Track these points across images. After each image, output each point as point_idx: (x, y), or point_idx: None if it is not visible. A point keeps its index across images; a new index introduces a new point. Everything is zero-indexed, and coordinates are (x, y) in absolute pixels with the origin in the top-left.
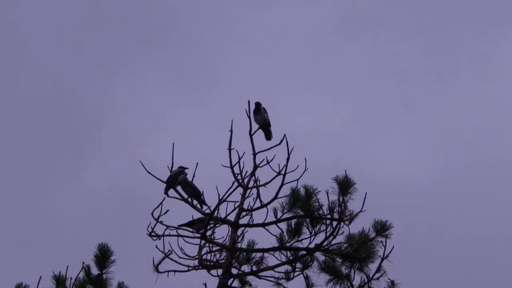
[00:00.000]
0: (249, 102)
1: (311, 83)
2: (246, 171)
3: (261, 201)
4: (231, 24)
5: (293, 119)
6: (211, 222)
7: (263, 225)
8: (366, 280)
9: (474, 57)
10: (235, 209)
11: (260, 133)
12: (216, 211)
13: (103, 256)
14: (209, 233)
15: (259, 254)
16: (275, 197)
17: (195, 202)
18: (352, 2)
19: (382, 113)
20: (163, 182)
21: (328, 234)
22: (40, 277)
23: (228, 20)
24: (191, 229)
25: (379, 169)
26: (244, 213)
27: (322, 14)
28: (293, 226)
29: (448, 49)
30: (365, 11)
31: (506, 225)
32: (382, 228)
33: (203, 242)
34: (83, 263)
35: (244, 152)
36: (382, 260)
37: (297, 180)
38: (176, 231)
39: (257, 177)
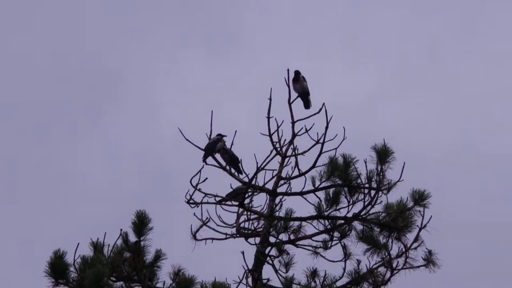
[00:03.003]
0: (288, 70)
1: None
2: (285, 140)
3: (299, 170)
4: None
5: (329, 88)
6: (249, 190)
7: (301, 193)
8: (403, 249)
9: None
10: (273, 177)
11: (299, 101)
12: (254, 179)
13: (141, 223)
14: (247, 201)
15: (297, 223)
16: (313, 166)
17: (233, 170)
18: None
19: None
20: (202, 149)
21: (366, 203)
22: (78, 243)
23: None
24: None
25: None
26: (282, 182)
27: None
28: (331, 195)
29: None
30: None
31: None
32: (420, 198)
33: (241, 210)
34: (121, 230)
35: (282, 121)
36: (420, 229)
37: (336, 149)
38: (214, 199)
39: (296, 146)
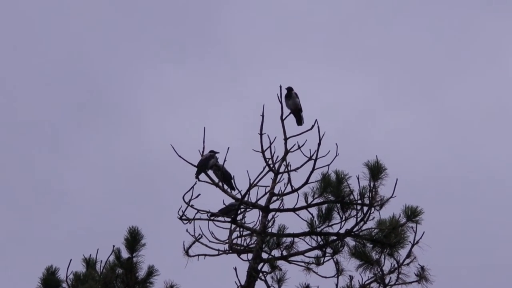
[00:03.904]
0: (280, 87)
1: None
2: (277, 156)
3: (292, 186)
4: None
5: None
6: (242, 206)
7: (294, 210)
8: (396, 265)
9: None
10: (266, 193)
11: (292, 118)
12: (247, 195)
13: (134, 239)
14: (239, 217)
15: (289, 239)
16: (306, 182)
17: (225, 186)
18: None
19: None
20: (194, 166)
21: (358, 219)
22: (71, 260)
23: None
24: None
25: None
26: (274, 198)
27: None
28: (323, 211)
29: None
30: None
31: None
32: (412, 214)
33: (233, 226)
34: (114, 246)
35: (275, 137)
36: (413, 245)
37: (328, 165)
38: (207, 215)
39: (288, 162)
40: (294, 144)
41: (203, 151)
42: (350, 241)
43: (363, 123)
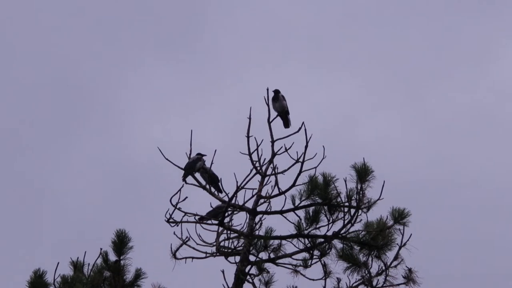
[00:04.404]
0: (267, 89)
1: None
2: (264, 159)
3: (279, 189)
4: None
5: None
6: (229, 209)
7: (281, 212)
8: (383, 268)
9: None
10: (253, 196)
11: (279, 120)
12: (234, 198)
13: (121, 242)
14: (227, 220)
15: (276, 241)
16: (293, 185)
17: (213, 189)
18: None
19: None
20: (181, 168)
21: (346, 221)
22: (58, 263)
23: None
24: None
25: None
26: (262, 200)
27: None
28: (311, 213)
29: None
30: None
31: None
32: (399, 216)
33: (221, 229)
34: (101, 249)
35: (262, 140)
36: (400, 248)
37: (315, 168)
38: (194, 218)
39: (275, 165)
40: (281, 147)
41: (190, 154)
42: (338, 244)
43: (350, 126)
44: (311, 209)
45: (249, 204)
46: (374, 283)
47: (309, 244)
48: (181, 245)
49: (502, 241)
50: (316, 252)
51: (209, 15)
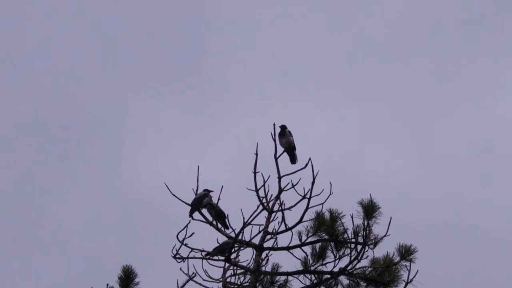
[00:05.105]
0: (274, 125)
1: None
2: (271, 195)
3: (285, 225)
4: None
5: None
6: (236, 245)
7: (288, 248)
8: None
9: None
10: (259, 232)
11: (285, 156)
12: (241, 234)
13: (127, 278)
14: (233, 256)
15: (283, 277)
16: (300, 221)
17: (219, 225)
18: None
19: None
20: (188, 204)
21: (352, 258)
22: None
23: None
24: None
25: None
26: (268, 237)
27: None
28: (317, 249)
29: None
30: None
31: None
32: (406, 252)
33: (227, 265)
34: (107, 285)
35: (269, 176)
36: (406, 284)
37: (322, 204)
38: (201, 254)
39: (282, 201)
40: (288, 183)
41: (197, 190)
42: (344, 280)
43: (355, 160)
44: (317, 245)
45: (256, 240)
46: None
47: (315, 280)
48: (187, 281)
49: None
50: None
51: (211, 47)
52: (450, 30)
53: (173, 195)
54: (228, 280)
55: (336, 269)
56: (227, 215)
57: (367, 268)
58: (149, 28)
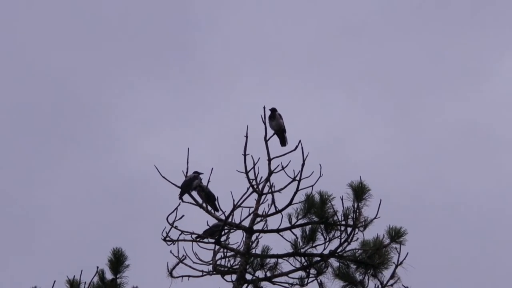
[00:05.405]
0: (264, 108)
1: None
2: (261, 177)
3: (275, 207)
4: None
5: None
6: (226, 227)
7: (278, 231)
8: (380, 286)
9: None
10: (249, 214)
11: (275, 138)
12: (231, 216)
13: (117, 260)
14: (223, 238)
15: (273, 260)
16: (290, 203)
17: (209, 207)
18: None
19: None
20: (178, 187)
21: (342, 240)
22: (54, 281)
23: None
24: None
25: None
26: (258, 219)
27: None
28: (307, 232)
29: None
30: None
31: None
32: (396, 235)
33: (217, 247)
34: (97, 267)
35: (259, 158)
36: (396, 266)
37: (312, 186)
38: (191, 236)
39: (272, 183)
40: (278, 165)
41: (187, 172)
42: (334, 262)
43: (344, 143)
44: (307, 227)
45: (246, 223)
46: None
47: (305, 263)
48: (177, 264)
49: (497, 260)
50: (312, 271)
51: (200, 32)
52: (435, 13)
53: (163, 177)
54: (218, 262)
55: (326, 252)
56: (217, 197)
57: (357, 250)
58: (138, 14)
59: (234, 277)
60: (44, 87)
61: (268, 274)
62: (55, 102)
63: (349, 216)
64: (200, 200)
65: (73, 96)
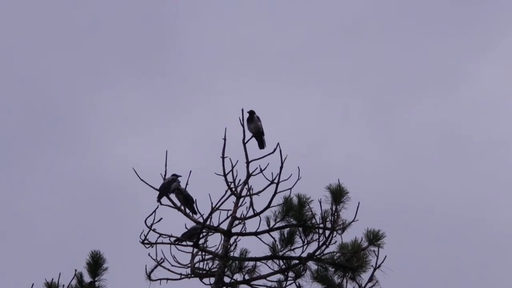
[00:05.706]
0: (242, 110)
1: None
2: (239, 180)
3: (254, 210)
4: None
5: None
6: (204, 230)
7: (256, 233)
8: None
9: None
10: (228, 217)
11: (254, 141)
12: (209, 219)
13: (96, 263)
14: (201, 241)
15: (251, 263)
16: (268, 206)
17: (187, 210)
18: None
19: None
20: (156, 189)
21: (320, 243)
22: (33, 284)
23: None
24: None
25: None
26: (237, 222)
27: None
28: (285, 235)
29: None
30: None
31: None
32: (374, 238)
33: (195, 250)
34: (76, 270)
35: (237, 161)
36: (375, 269)
37: (290, 189)
38: (169, 239)
39: (250, 186)
40: (256, 168)
41: (165, 175)
42: (312, 265)
43: (322, 146)
44: (286, 230)
45: (224, 226)
46: None
47: (284, 266)
48: (156, 267)
49: (475, 262)
50: (291, 274)
51: (179, 34)
52: (414, 16)
53: (141, 180)
54: (196, 265)
55: (304, 255)
56: (195, 200)
57: (335, 253)
58: (116, 15)
59: (212, 280)
60: (17, 89)
61: (247, 277)
62: (29, 104)
63: (327, 219)
64: (178, 203)
65: (48, 98)
